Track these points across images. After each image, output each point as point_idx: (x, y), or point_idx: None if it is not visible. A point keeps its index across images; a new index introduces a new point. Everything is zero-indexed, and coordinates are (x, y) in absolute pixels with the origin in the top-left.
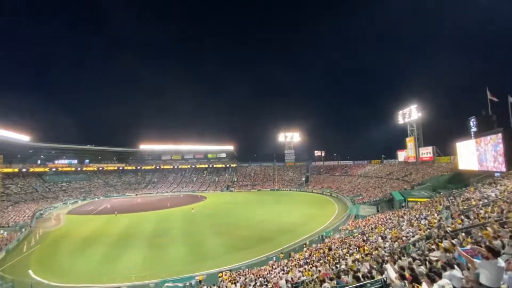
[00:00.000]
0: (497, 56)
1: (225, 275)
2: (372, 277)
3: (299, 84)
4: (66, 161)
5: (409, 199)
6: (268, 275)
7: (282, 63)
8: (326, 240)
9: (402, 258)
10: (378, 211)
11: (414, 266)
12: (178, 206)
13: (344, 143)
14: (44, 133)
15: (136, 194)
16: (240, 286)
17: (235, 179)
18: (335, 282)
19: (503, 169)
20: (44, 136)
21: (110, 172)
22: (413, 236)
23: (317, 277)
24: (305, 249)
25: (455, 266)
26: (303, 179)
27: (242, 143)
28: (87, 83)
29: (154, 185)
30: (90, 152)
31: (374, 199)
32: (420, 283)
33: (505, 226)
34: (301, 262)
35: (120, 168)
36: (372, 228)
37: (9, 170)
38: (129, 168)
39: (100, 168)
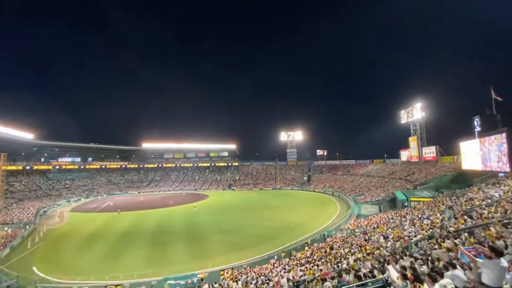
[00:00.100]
0: (497, 56)
1: (227, 273)
2: (374, 276)
3: (300, 84)
4: (69, 159)
5: (411, 199)
6: (270, 274)
7: (282, 63)
8: (328, 239)
9: (404, 257)
10: (380, 210)
11: (416, 266)
12: (180, 204)
13: (346, 142)
14: (47, 132)
15: (139, 192)
16: (242, 285)
17: (237, 178)
18: (337, 281)
19: (507, 169)
20: (47, 134)
21: (113, 170)
22: (415, 236)
23: (318, 276)
24: (306, 248)
25: (457, 266)
26: (305, 178)
27: (244, 142)
28: (87, 83)
29: (156, 183)
30: (93, 150)
31: (377, 199)
32: (422, 283)
33: (509, 226)
34: (303, 261)
35: (123, 166)
36: (374, 228)
37: (13, 167)
38: (132, 166)
39: (103, 166)
